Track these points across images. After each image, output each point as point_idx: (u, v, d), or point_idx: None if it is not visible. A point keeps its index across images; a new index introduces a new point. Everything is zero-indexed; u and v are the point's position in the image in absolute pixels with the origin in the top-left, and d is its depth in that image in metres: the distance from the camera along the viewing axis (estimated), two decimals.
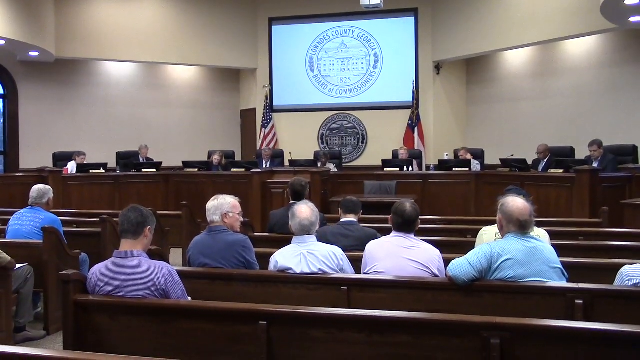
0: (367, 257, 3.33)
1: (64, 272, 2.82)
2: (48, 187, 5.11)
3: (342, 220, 4.09)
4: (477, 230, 3.88)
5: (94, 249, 5.12)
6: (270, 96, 11.89)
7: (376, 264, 3.24)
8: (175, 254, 6.80)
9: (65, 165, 9.05)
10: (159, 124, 11.88)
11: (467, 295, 2.91)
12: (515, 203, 2.93)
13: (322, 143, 11.83)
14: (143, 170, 9.33)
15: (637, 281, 2.73)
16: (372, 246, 3.35)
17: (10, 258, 3.87)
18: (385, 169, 9.09)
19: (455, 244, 4.42)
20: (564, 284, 2.86)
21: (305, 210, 3.35)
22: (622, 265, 2.88)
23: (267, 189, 8.18)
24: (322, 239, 3.49)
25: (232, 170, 9.18)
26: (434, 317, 2.52)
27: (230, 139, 12.52)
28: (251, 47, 11.95)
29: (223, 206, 3.48)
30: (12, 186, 8.17)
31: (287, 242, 3.42)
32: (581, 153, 8.05)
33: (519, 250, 2.85)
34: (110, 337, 2.76)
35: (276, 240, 4.25)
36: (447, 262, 3.09)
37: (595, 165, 7.19)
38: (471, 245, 3.54)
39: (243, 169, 8.96)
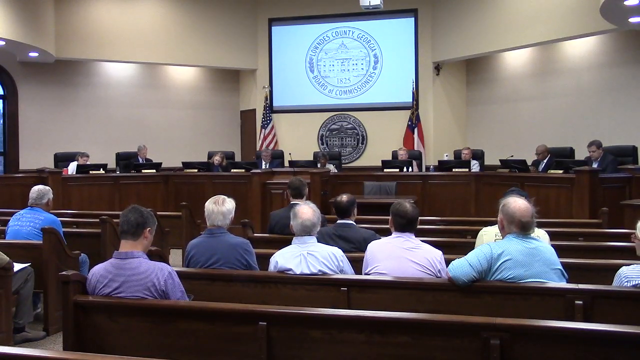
0: (369, 257, 3.33)
1: (64, 272, 2.83)
2: (48, 187, 5.11)
3: (338, 222, 4.06)
4: (477, 231, 3.88)
5: (94, 249, 5.12)
6: (270, 97, 11.89)
7: (377, 265, 3.24)
8: (175, 255, 6.80)
9: (66, 166, 9.06)
10: (158, 125, 11.87)
11: (467, 295, 2.91)
12: (517, 204, 2.93)
13: (322, 144, 11.83)
14: (143, 170, 9.33)
15: (636, 282, 2.73)
16: (373, 247, 3.35)
17: (8, 259, 3.87)
18: (385, 170, 9.08)
19: (455, 244, 4.42)
20: (563, 284, 2.86)
21: (307, 211, 3.35)
22: (622, 266, 2.88)
23: (266, 189, 8.19)
24: (319, 240, 3.49)
25: (232, 171, 9.17)
26: (434, 317, 2.53)
27: (230, 140, 12.52)
28: (251, 48, 11.95)
29: (232, 212, 3.51)
30: (12, 187, 8.17)
31: (288, 242, 3.42)
32: (581, 154, 8.05)
33: (519, 251, 2.85)
34: (109, 338, 2.76)
35: (276, 241, 4.25)
36: (447, 262, 3.09)
37: (595, 166, 7.19)
38: (471, 246, 3.54)
39: (243, 170, 8.96)
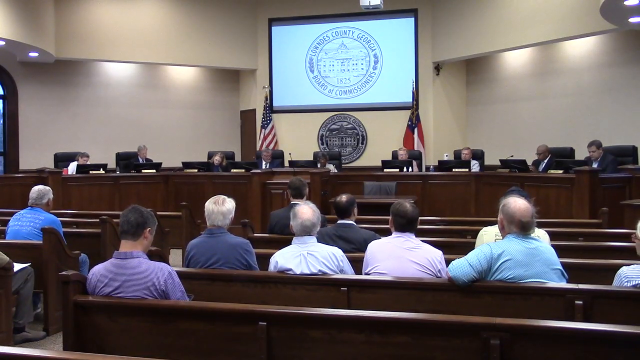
0: (369, 257, 3.33)
1: (64, 272, 2.83)
2: (48, 187, 5.11)
3: (338, 222, 4.06)
4: (477, 231, 3.88)
5: (94, 249, 5.12)
6: (270, 97, 11.89)
7: (378, 265, 3.24)
8: (175, 255, 6.80)
9: (66, 166, 9.06)
10: (158, 125, 11.87)
11: (467, 295, 2.91)
12: (517, 204, 2.93)
13: (322, 144, 11.83)
14: (143, 170, 9.33)
15: (636, 282, 2.73)
16: (374, 247, 3.35)
17: (8, 259, 3.87)
18: (385, 170, 9.09)
19: (455, 244, 4.42)
20: (563, 284, 2.86)
21: (306, 211, 3.35)
22: (622, 266, 2.88)
23: (266, 189, 8.19)
24: (319, 240, 3.48)
25: (232, 170, 9.18)
26: (434, 317, 2.53)
27: (230, 140, 12.52)
28: (251, 48, 11.95)
29: (232, 212, 3.52)
30: (12, 187, 8.17)
31: (288, 242, 3.42)
32: (581, 154, 8.05)
33: (519, 251, 2.85)
34: (109, 338, 2.76)
35: (276, 241, 4.25)
36: (447, 262, 3.09)
37: (595, 166, 7.20)
38: (471, 246, 3.54)
39: (243, 170, 8.96)
